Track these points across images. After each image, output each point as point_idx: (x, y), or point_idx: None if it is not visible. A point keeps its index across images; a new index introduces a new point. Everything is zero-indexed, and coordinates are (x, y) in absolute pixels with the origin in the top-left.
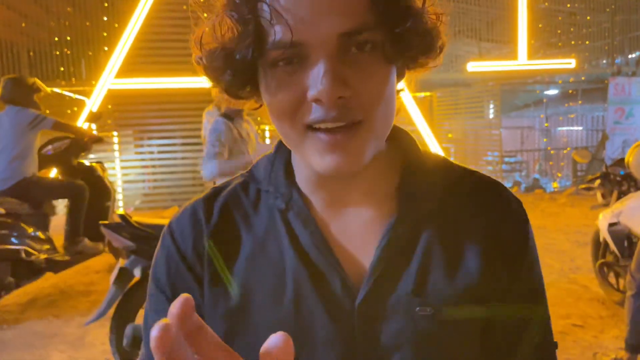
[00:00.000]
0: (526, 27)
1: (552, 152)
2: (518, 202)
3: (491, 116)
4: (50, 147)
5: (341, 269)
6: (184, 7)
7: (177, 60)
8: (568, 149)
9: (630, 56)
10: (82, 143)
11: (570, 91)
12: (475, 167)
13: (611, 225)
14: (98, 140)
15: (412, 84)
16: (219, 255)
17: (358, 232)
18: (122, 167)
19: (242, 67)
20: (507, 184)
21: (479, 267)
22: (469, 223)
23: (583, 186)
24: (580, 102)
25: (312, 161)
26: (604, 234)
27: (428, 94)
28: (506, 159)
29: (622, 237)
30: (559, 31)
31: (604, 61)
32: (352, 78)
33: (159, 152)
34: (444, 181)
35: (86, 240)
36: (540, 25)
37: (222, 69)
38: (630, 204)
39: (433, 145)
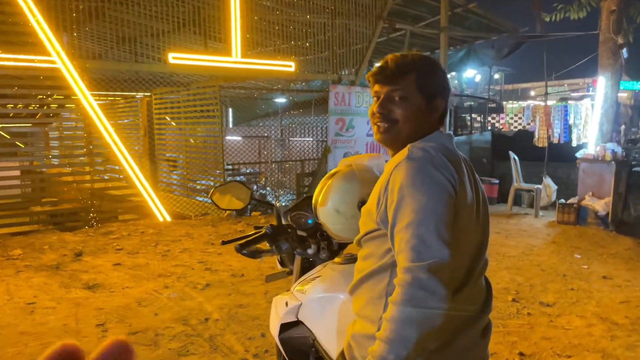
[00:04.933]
0: (239, 21)
1: (283, 163)
2: None
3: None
4: None
5: None
6: None
7: None
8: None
9: (354, 69)
10: None
11: (293, 99)
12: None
13: None
14: None
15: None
16: None
17: None
18: None
19: None
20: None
21: None
22: None
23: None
24: (301, 112)
25: None
26: None
27: (147, 94)
28: (242, 170)
29: None
30: (276, 27)
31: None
32: None
33: None
34: None
35: None
36: (255, 18)
37: None
38: None
39: (122, 156)
